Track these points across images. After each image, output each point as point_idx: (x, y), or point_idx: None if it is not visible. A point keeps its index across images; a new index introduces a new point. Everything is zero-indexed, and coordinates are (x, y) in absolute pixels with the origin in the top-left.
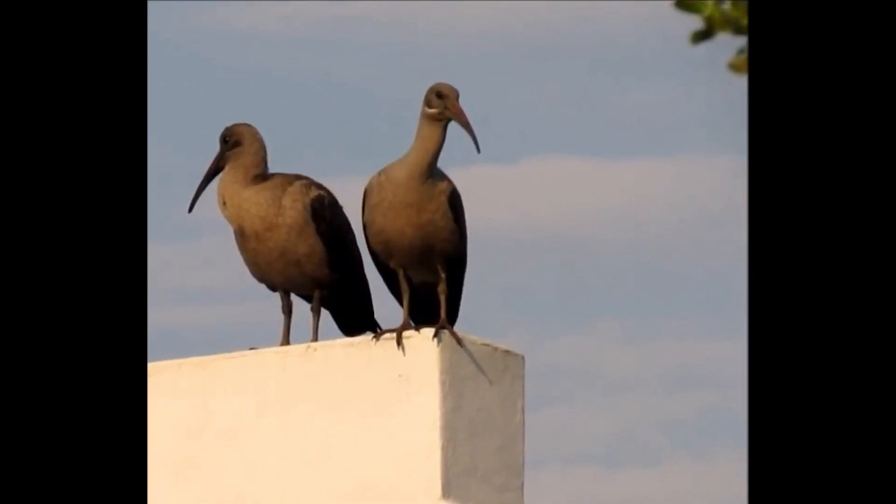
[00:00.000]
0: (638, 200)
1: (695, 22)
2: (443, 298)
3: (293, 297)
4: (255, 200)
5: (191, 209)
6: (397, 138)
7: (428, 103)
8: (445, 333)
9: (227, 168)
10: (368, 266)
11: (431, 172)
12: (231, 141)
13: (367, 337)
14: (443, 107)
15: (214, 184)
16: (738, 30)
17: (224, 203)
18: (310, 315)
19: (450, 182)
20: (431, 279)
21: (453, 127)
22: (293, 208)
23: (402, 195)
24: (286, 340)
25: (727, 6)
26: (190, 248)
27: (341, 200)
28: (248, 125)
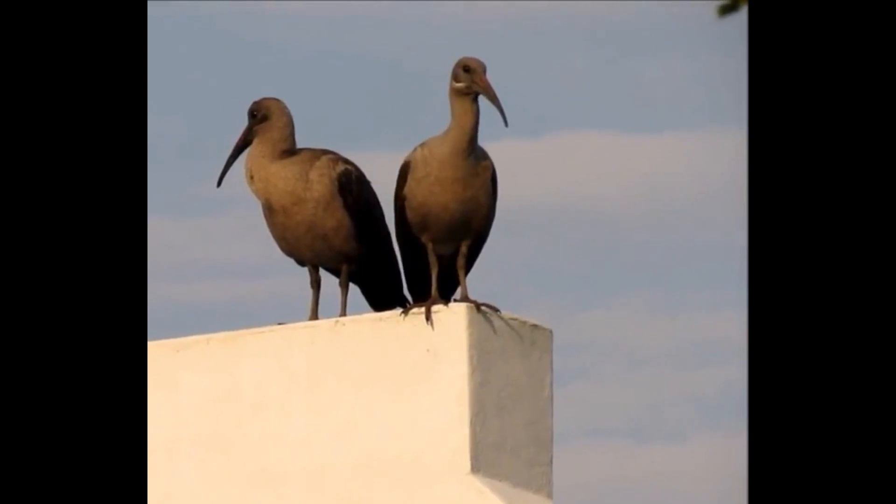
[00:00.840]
0: (663, 174)
1: None
2: (462, 273)
3: (322, 271)
4: (283, 175)
5: (219, 183)
6: (425, 112)
7: (455, 77)
8: (477, 307)
9: (254, 142)
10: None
11: (474, 148)
12: (259, 115)
13: (395, 312)
14: (470, 80)
15: (242, 158)
16: None
17: (251, 177)
18: (338, 290)
19: (491, 160)
20: (447, 252)
21: (482, 101)
22: (320, 182)
23: (448, 171)
24: (314, 315)
25: None
26: (219, 222)
27: (368, 175)
28: (277, 99)
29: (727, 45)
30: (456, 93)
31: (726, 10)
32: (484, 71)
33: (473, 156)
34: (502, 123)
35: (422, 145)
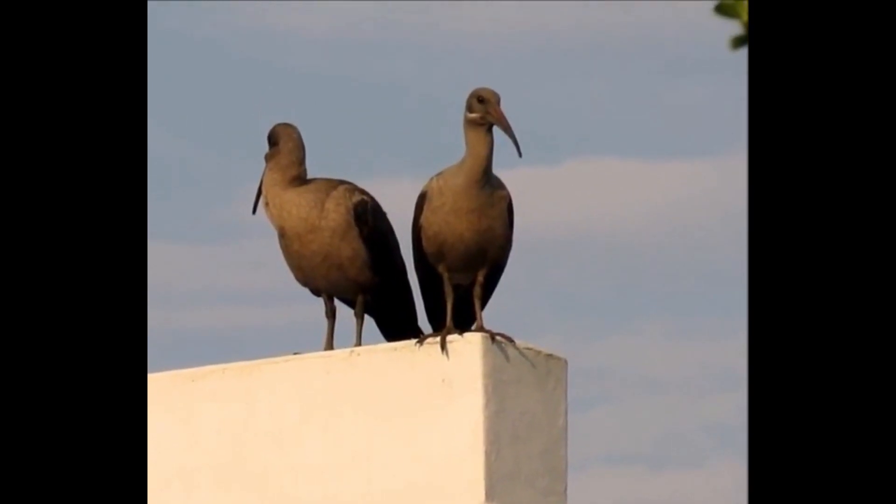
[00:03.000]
0: (682, 201)
1: (734, 27)
2: (478, 303)
3: (337, 302)
4: (297, 202)
5: (254, 210)
6: (437, 141)
7: (469, 108)
8: (492, 337)
9: (267, 169)
10: (411, 272)
11: (489, 178)
12: (272, 141)
13: (410, 342)
14: (484, 111)
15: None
16: None
17: (266, 204)
18: (353, 320)
19: (506, 189)
20: (465, 282)
21: (497, 132)
22: (336, 211)
23: (462, 201)
24: (330, 345)
25: None
26: (235, 250)
27: (384, 205)
28: (287, 124)
29: (744, 73)
30: (470, 123)
31: (739, 42)
32: (498, 102)
33: (489, 186)
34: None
35: (438, 175)
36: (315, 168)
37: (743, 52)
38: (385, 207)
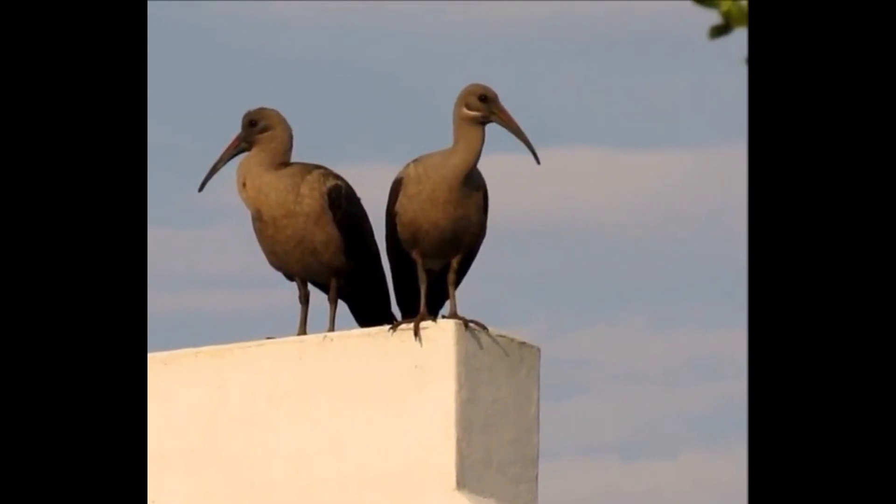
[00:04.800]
0: (658, 190)
1: (713, 17)
2: (452, 289)
3: (310, 287)
4: (276, 186)
5: (202, 188)
6: (416, 128)
7: (468, 105)
8: (465, 324)
9: (254, 150)
10: (384, 258)
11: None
12: (261, 124)
13: (383, 327)
14: (488, 111)
15: (232, 165)
16: None
17: (244, 184)
18: (327, 305)
19: (483, 179)
20: (437, 267)
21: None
22: (311, 196)
23: (442, 191)
24: (303, 330)
25: (744, 3)
26: (207, 234)
27: (359, 190)
28: (277, 111)
29: (721, 63)
30: (469, 120)
31: (718, 31)
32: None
33: (469, 178)
34: (532, 159)
35: (415, 161)
36: (293, 152)
37: (722, 42)
38: (359, 193)
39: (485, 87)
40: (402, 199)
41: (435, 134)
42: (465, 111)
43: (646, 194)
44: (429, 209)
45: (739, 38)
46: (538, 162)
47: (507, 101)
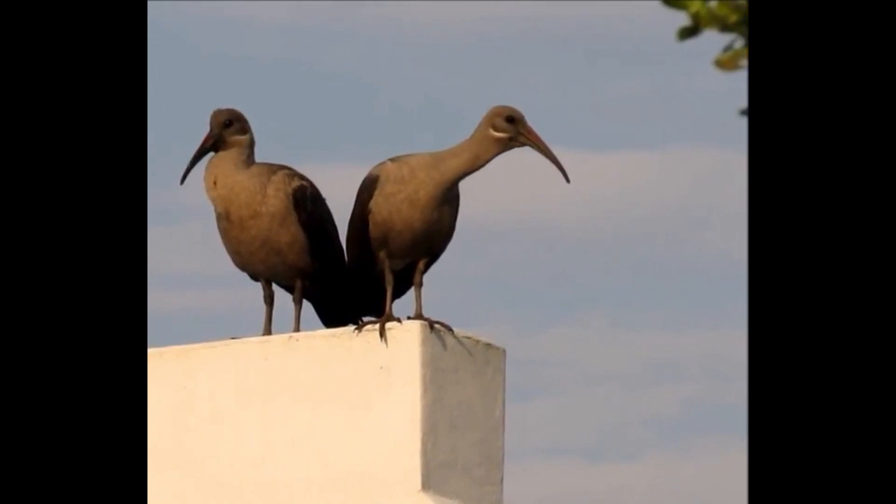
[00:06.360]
0: (624, 192)
1: (682, 18)
2: (418, 290)
3: (275, 287)
4: (246, 186)
5: (182, 181)
6: (383, 129)
7: (495, 127)
8: (430, 325)
9: (227, 150)
10: None
11: None
12: (237, 125)
13: (348, 328)
14: (515, 132)
15: (201, 164)
16: (724, 27)
17: (214, 183)
18: (291, 306)
19: (458, 186)
20: (398, 268)
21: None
22: (276, 197)
23: (426, 193)
24: (268, 330)
25: (713, 4)
26: (171, 233)
27: (324, 190)
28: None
29: (689, 65)
30: (492, 140)
31: (687, 33)
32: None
33: (455, 184)
34: (563, 179)
35: (394, 160)
36: (257, 153)
37: (690, 44)
38: (324, 193)
39: (512, 109)
40: (377, 197)
41: (403, 135)
42: (493, 133)
43: (612, 195)
44: (405, 209)
45: (708, 40)
46: (567, 181)
47: (476, 103)
